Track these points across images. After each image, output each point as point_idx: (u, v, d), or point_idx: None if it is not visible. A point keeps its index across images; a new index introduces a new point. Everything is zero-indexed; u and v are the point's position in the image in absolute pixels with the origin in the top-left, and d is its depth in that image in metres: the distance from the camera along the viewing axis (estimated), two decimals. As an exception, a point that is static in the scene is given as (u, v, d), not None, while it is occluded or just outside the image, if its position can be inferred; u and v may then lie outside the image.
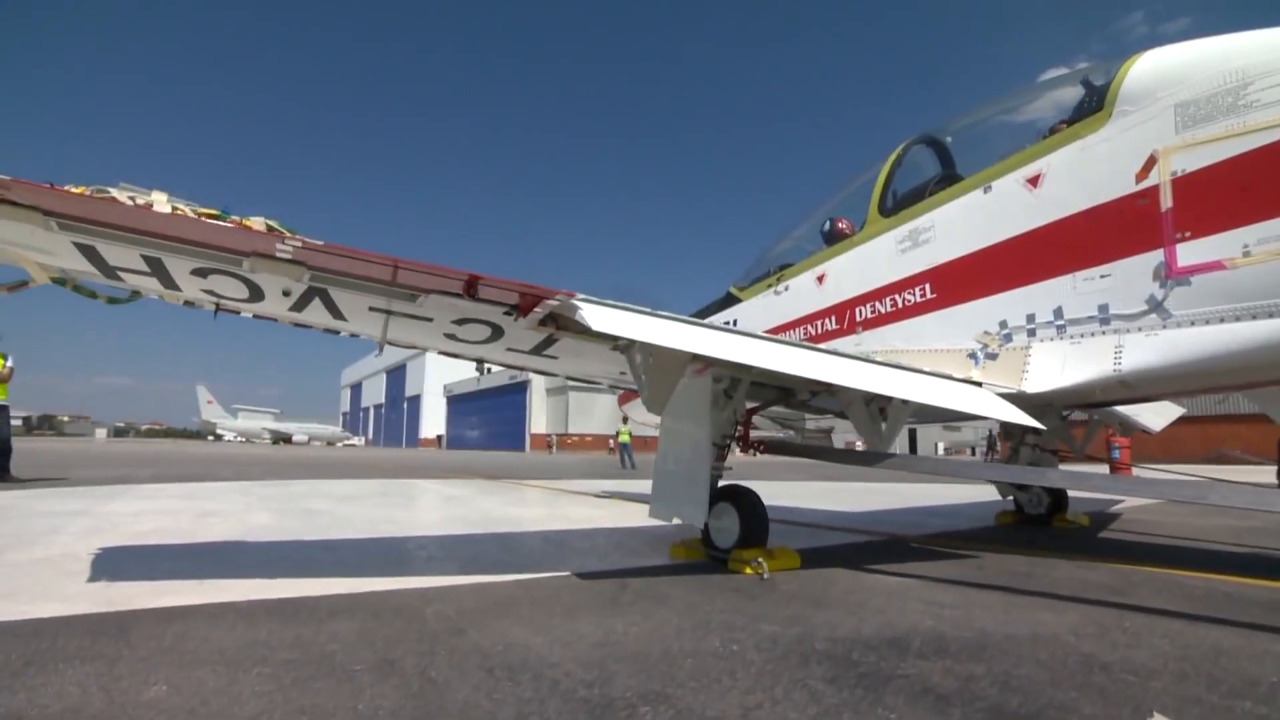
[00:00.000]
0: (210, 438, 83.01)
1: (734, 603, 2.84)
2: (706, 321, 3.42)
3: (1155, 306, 3.55)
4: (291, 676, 1.83)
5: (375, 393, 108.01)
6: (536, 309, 2.94)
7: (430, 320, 3.29)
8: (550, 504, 7.52)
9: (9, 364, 8.13)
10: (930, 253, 4.67)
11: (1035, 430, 5.91)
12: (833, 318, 5.35)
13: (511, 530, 5.21)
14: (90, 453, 23.47)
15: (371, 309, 3.17)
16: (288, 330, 3.75)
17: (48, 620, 2.28)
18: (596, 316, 2.78)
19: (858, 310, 5.15)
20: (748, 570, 3.51)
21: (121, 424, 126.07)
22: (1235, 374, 3.58)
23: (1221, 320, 3.33)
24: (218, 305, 3.22)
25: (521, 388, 63.42)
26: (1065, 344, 3.89)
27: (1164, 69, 3.74)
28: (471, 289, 2.75)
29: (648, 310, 3.21)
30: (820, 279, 5.55)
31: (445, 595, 2.92)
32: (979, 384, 4.08)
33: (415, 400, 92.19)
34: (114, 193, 2.32)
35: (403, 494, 8.33)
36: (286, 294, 2.97)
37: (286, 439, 79.84)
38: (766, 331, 6.00)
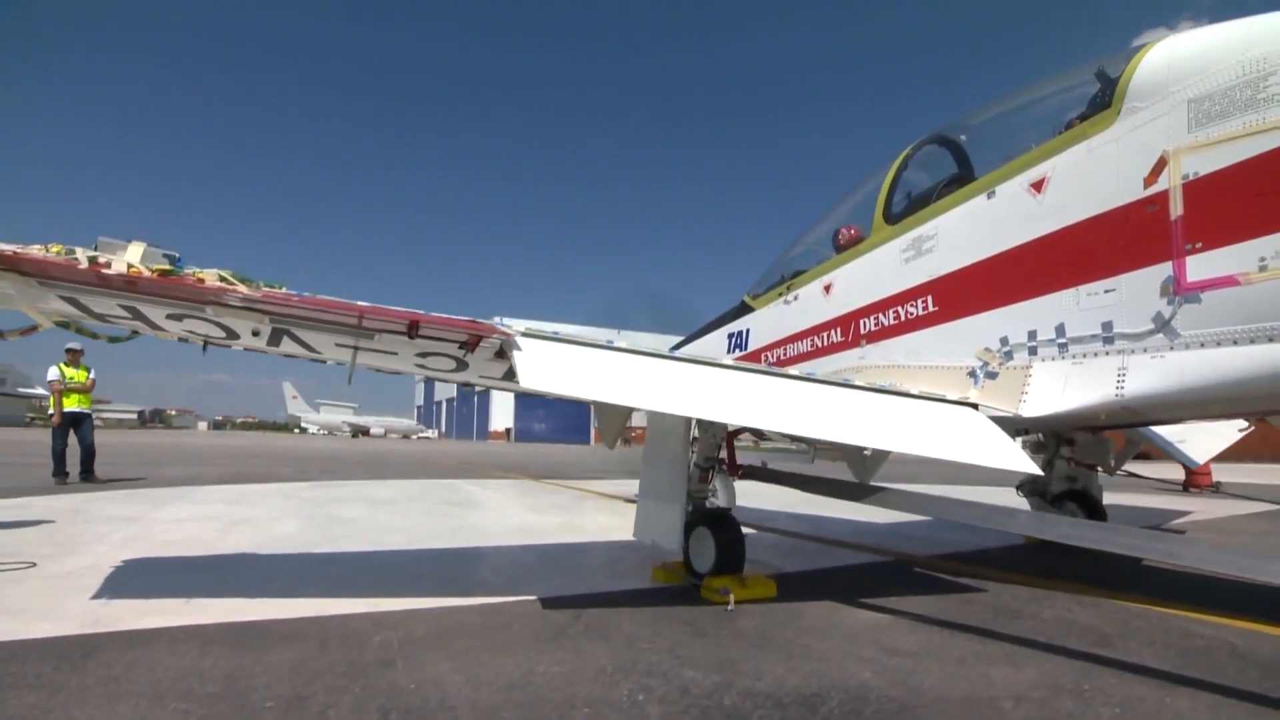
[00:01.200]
0: (296, 430, 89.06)
1: (676, 641, 2.84)
2: (655, 353, 3.35)
3: (1162, 326, 3.25)
4: (201, 713, 2.00)
5: (447, 387, 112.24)
6: (482, 345, 3.02)
7: (395, 354, 3.44)
8: (573, 511, 7.66)
9: (91, 376, 9.05)
10: (932, 263, 4.44)
11: (1069, 442, 5.57)
12: (839, 329, 5.19)
13: (513, 543, 5.36)
14: (185, 446, 25.68)
15: (338, 344, 3.35)
16: None
17: (28, 642, 2.56)
18: (528, 366, 2.81)
19: (862, 322, 4.97)
20: (717, 599, 3.49)
21: (220, 418, 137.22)
22: (1250, 402, 3.24)
23: (1234, 342, 3.02)
24: (205, 342, 3.49)
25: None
26: (1067, 364, 3.62)
27: (1178, 60, 3.40)
28: (413, 329, 2.86)
29: (598, 345, 3.24)
30: (828, 288, 5.38)
31: (402, 621, 3.06)
32: (975, 405, 3.87)
33: (485, 394, 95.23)
34: (79, 252, 2.56)
35: (437, 498, 8.70)
36: (257, 334, 3.18)
37: (365, 431, 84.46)
38: (776, 343, 5.90)
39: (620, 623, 3.11)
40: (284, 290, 2.83)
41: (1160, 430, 5.85)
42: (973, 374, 4.05)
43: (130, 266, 2.55)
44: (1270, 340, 2.92)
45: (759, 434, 4.59)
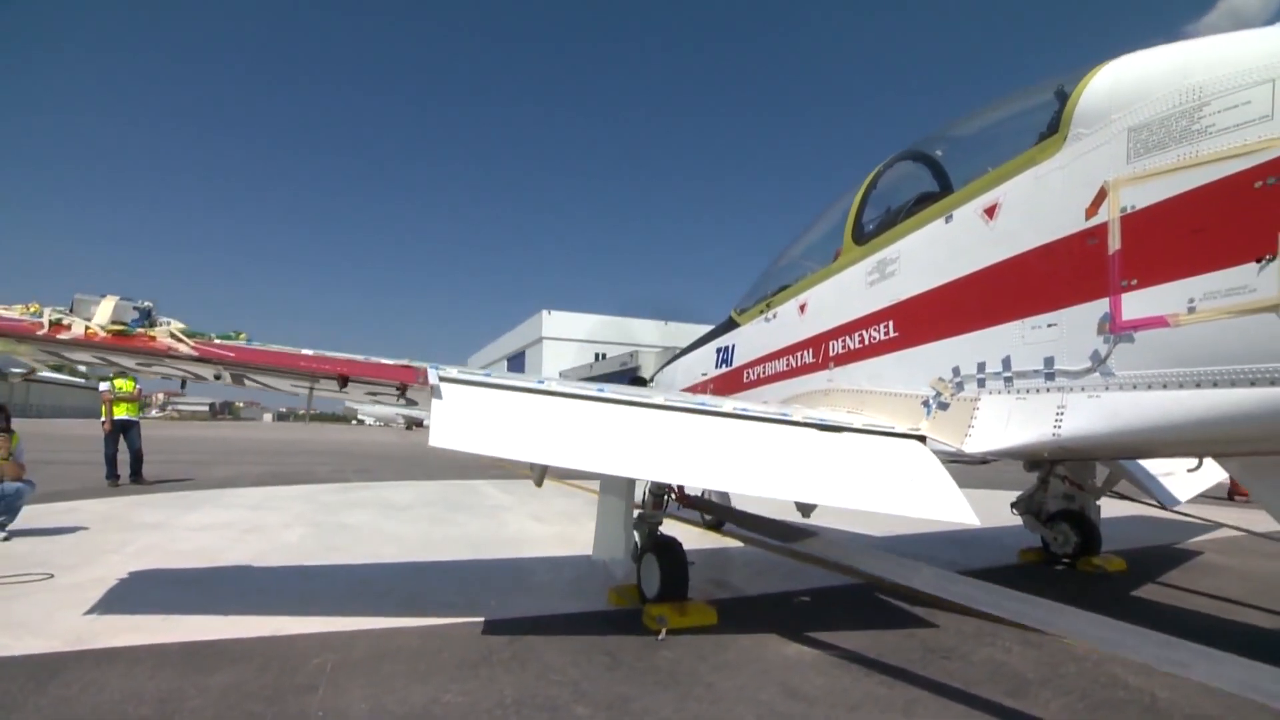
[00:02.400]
0: (354, 421, 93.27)
1: (586, 673, 3.02)
2: (585, 395, 3.48)
3: (1099, 364, 3.19)
4: None
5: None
6: (412, 388, 3.25)
7: (345, 391, 3.72)
8: (573, 519, 7.89)
9: (138, 387, 9.87)
10: (895, 287, 4.42)
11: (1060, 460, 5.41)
12: (810, 350, 5.21)
13: (496, 556, 5.64)
14: (244, 440, 27.39)
15: (293, 385, 3.65)
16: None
17: (6, 660, 2.95)
18: (441, 422, 2.96)
19: (831, 344, 4.98)
20: (654, 626, 3.65)
21: (284, 409, 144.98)
22: (1185, 446, 3.15)
23: (1164, 386, 2.95)
24: (183, 379, 3.86)
25: (631, 374, 65.00)
26: (1011, 399, 3.58)
27: (1121, 85, 3.30)
28: (344, 383, 3.13)
29: (526, 384, 3.40)
30: (802, 308, 5.40)
31: (347, 642, 3.35)
32: (923, 438, 3.87)
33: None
34: (45, 313, 2.92)
35: (450, 503, 9.10)
36: (218, 377, 3.51)
37: (418, 423, 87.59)
38: (756, 360, 5.94)
39: (545, 651, 3.31)
40: (235, 342, 3.14)
41: (1144, 462, 5.60)
42: (926, 404, 4.04)
43: (87, 329, 2.89)
44: (1198, 385, 2.84)
45: None
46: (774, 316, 5.79)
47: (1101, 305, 3.19)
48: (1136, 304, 3.06)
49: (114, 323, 3.07)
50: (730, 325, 6.55)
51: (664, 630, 3.58)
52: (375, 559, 5.41)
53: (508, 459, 3.12)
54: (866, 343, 4.62)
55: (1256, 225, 2.65)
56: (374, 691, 2.76)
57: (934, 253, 4.17)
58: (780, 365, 5.57)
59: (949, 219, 4.09)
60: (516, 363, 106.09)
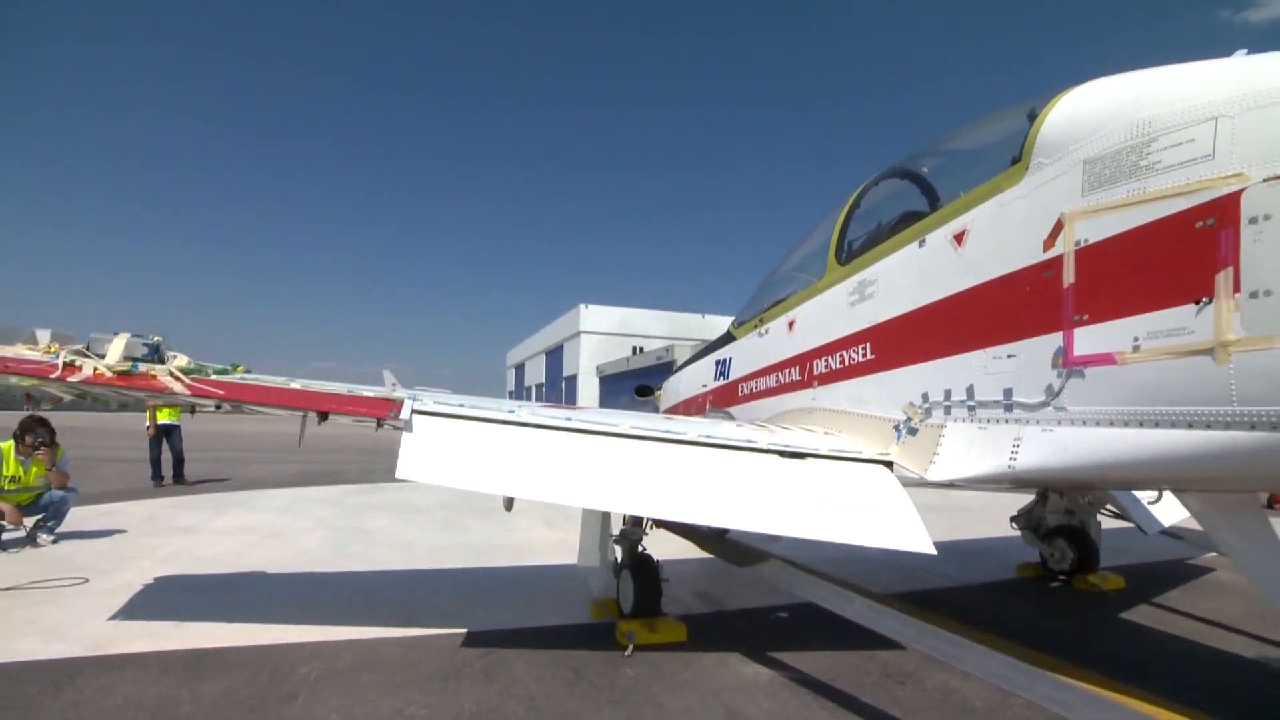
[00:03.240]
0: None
1: (547, 689, 3.24)
2: (549, 417, 3.67)
3: (1052, 398, 3.23)
4: None
5: (536, 373, 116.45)
6: (388, 417, 3.51)
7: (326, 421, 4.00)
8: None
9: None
10: (873, 309, 4.49)
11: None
12: (797, 368, 5.31)
13: (494, 564, 5.92)
14: (288, 435, 28.67)
15: (288, 412, 3.97)
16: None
17: (34, 664, 3.35)
18: (409, 456, 3.20)
19: (815, 363, 5.07)
20: (624, 642, 3.84)
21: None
22: (1135, 482, 3.15)
23: (1111, 423, 2.98)
24: (192, 408, 4.23)
25: (668, 367, 65.20)
26: (974, 428, 3.62)
27: (1080, 115, 3.32)
28: (323, 417, 3.42)
29: (494, 415, 3.61)
30: (791, 325, 5.50)
31: (335, 652, 3.66)
32: (890, 463, 3.95)
33: (571, 380, 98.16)
34: (61, 354, 3.29)
35: (465, 506, 9.44)
36: (219, 407, 3.85)
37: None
38: (749, 375, 6.06)
39: (515, 664, 3.55)
40: (228, 378, 3.47)
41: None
42: (898, 428, 4.10)
43: (95, 370, 3.24)
44: (1141, 425, 2.87)
45: None
46: (766, 332, 5.89)
47: (1056, 339, 3.22)
48: (1087, 340, 3.08)
49: (125, 358, 3.44)
50: (729, 338, 6.67)
51: (631, 647, 3.78)
52: (381, 566, 5.75)
53: (471, 492, 3.34)
54: (846, 363, 4.69)
55: (1196, 267, 2.67)
56: (348, 702, 3.04)
57: (908, 277, 4.22)
58: (771, 381, 5.68)
59: (922, 243, 4.14)
60: (555, 357, 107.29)
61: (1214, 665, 3.85)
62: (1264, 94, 2.67)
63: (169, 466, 10.52)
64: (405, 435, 3.31)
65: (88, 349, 3.52)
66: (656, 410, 8.49)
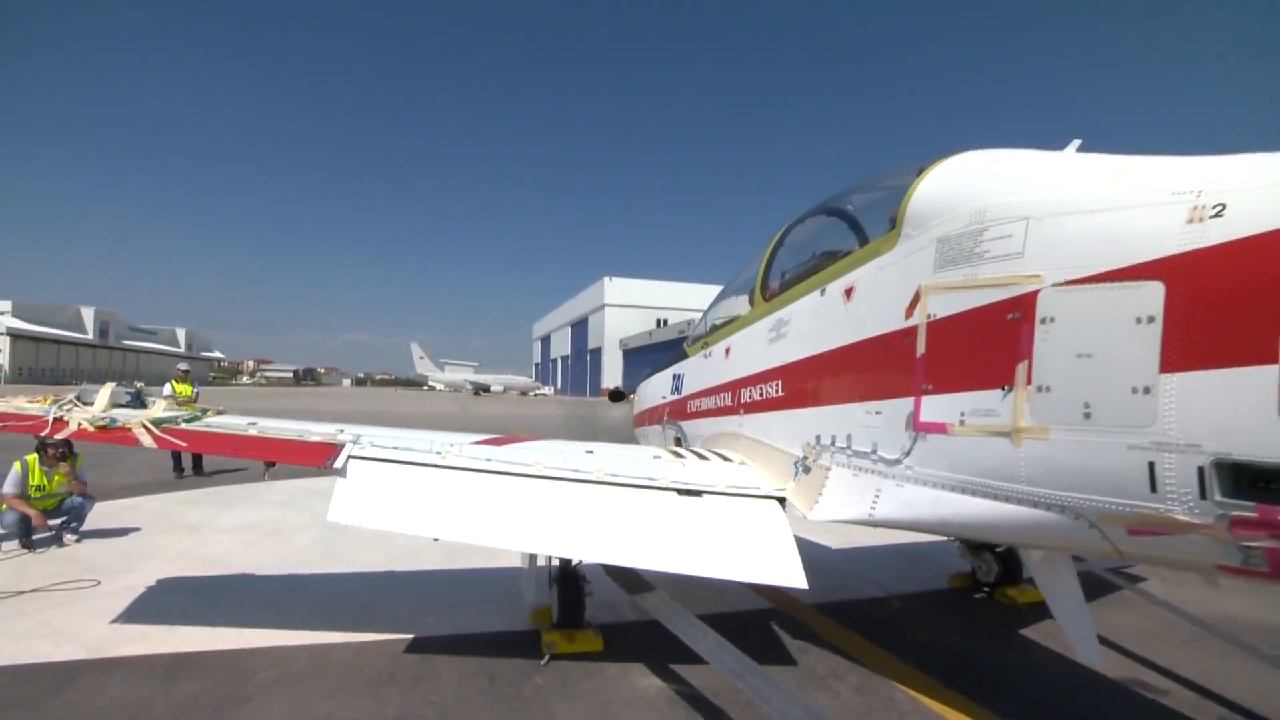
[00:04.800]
0: (426, 387, 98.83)
1: (460, 695, 3.85)
2: (470, 459, 4.17)
3: (904, 456, 3.62)
4: None
5: (562, 345, 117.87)
6: (328, 461, 4.07)
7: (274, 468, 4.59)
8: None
9: (196, 390, 11.48)
10: (785, 348, 4.88)
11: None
12: (730, 394, 5.73)
13: (460, 567, 6.53)
14: (313, 414, 30.06)
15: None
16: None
17: (44, 666, 4.07)
18: (341, 499, 3.78)
19: (743, 391, 5.49)
20: (544, 651, 4.42)
21: (361, 375, 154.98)
22: (969, 538, 3.54)
23: (943, 487, 3.38)
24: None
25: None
26: (849, 474, 4.02)
27: (938, 193, 3.66)
28: (270, 465, 4.01)
29: (421, 459, 4.15)
30: (728, 351, 5.91)
31: (293, 656, 4.31)
32: (784, 499, 4.38)
33: (596, 353, 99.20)
34: (53, 408, 3.94)
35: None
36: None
37: (485, 389, 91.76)
38: (695, 394, 6.50)
39: (442, 670, 4.17)
40: (191, 426, 4.08)
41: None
42: (796, 465, 4.52)
43: (80, 425, 3.89)
44: (963, 492, 3.26)
45: None
46: (710, 355, 6.31)
47: (910, 403, 3.60)
48: (930, 408, 3.46)
49: (111, 404, 4.09)
50: (683, 354, 7.10)
51: (548, 656, 4.36)
52: (360, 567, 6.42)
53: (397, 534, 3.91)
54: (765, 397, 5.12)
55: (1005, 355, 3.04)
56: (291, 705, 3.68)
57: (811, 322, 4.60)
58: (711, 402, 6.12)
59: (823, 292, 4.50)
60: (579, 330, 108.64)
61: (1062, 683, 4.27)
62: (1063, 202, 3.01)
63: (188, 459, 11.47)
64: (339, 480, 3.88)
65: (79, 399, 4.18)
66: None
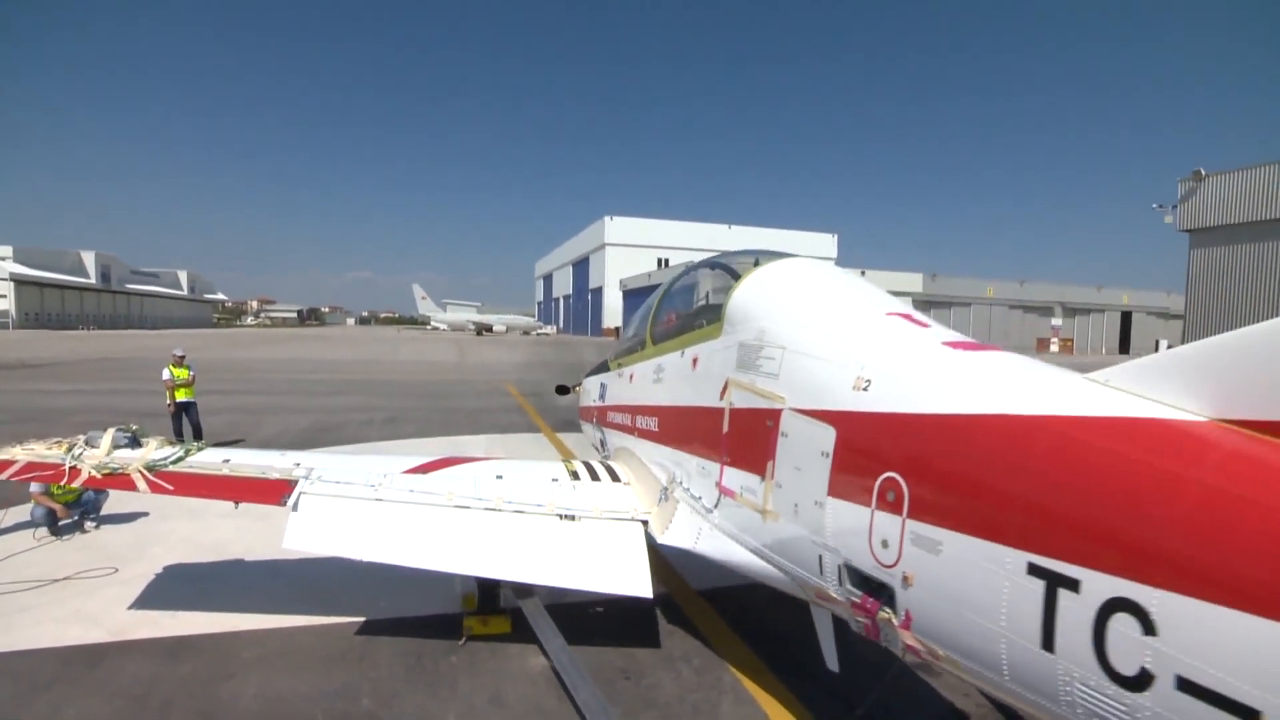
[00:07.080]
0: (430, 327, 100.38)
1: (388, 673, 5.13)
2: (398, 491, 5.33)
3: (714, 508, 4.75)
4: (123, 709, 4.64)
5: (564, 284, 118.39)
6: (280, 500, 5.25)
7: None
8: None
9: (192, 373, 12.73)
10: (660, 391, 5.98)
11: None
12: (629, 415, 6.85)
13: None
14: (315, 363, 31.48)
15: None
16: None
17: (77, 649, 5.39)
18: (296, 529, 4.96)
19: (637, 418, 6.60)
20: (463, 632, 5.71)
21: (365, 314, 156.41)
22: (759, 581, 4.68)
23: (730, 538, 4.53)
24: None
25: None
26: (688, 510, 5.16)
27: (744, 303, 4.68)
28: (237, 503, 5.20)
29: (361, 493, 5.32)
30: (631, 378, 6.98)
31: (268, 638, 5.60)
32: (645, 522, 5.54)
33: (598, 292, 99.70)
34: (67, 459, 5.12)
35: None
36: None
37: (488, 329, 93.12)
38: (611, 407, 7.60)
39: (382, 650, 5.47)
40: (176, 468, 5.26)
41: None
42: (662, 492, 5.66)
43: (91, 474, 5.08)
44: (741, 545, 4.40)
45: None
46: (621, 375, 7.39)
47: (718, 468, 4.71)
48: (727, 476, 4.58)
49: (113, 445, 5.28)
50: (605, 367, 8.17)
51: (465, 638, 5.65)
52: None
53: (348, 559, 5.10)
54: (647, 428, 6.24)
55: (764, 451, 4.11)
56: (262, 682, 4.98)
57: (674, 377, 5.68)
58: (620, 418, 7.25)
59: (682, 354, 5.56)
60: (581, 269, 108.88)
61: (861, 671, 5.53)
62: (802, 343, 4.01)
63: (188, 434, 12.82)
64: (291, 514, 5.06)
65: (87, 442, 5.37)
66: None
